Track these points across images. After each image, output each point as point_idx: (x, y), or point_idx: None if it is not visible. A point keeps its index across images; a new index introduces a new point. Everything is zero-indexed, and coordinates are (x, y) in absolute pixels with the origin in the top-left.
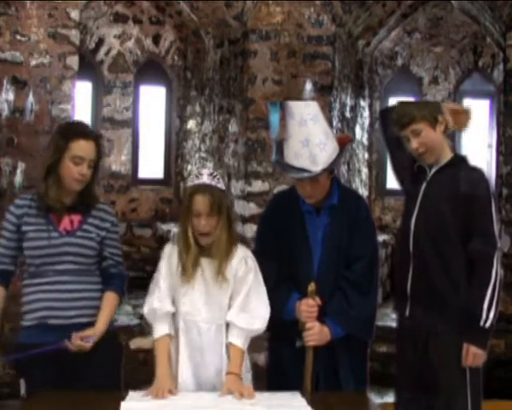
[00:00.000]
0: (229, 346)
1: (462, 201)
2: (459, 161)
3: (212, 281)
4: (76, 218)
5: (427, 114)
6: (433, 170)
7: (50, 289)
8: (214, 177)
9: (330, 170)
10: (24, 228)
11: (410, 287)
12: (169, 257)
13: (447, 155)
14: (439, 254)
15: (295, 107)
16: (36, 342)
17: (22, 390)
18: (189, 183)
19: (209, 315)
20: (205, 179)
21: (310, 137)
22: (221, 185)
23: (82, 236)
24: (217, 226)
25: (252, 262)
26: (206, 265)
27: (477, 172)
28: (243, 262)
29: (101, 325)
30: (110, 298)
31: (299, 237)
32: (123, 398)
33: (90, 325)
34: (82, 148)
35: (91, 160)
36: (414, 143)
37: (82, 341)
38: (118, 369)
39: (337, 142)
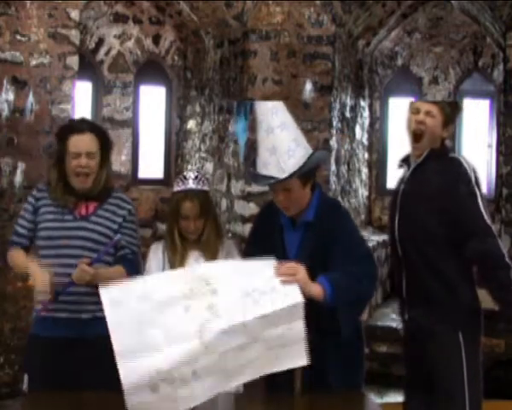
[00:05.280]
0: None
1: (441, 198)
2: (438, 153)
3: None
4: (92, 205)
5: (449, 112)
6: (412, 166)
7: (59, 279)
8: (200, 180)
9: (305, 179)
10: (41, 210)
11: (405, 291)
12: (157, 253)
13: (437, 140)
14: (424, 256)
15: (262, 115)
16: (46, 334)
17: (25, 385)
18: (176, 187)
19: None
20: (191, 184)
21: (277, 144)
22: (206, 187)
23: (95, 221)
24: (205, 226)
25: (236, 254)
26: (195, 257)
27: (454, 166)
28: (229, 255)
29: (100, 271)
30: (118, 268)
31: (277, 251)
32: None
33: (95, 320)
34: (76, 143)
35: (90, 152)
36: (420, 116)
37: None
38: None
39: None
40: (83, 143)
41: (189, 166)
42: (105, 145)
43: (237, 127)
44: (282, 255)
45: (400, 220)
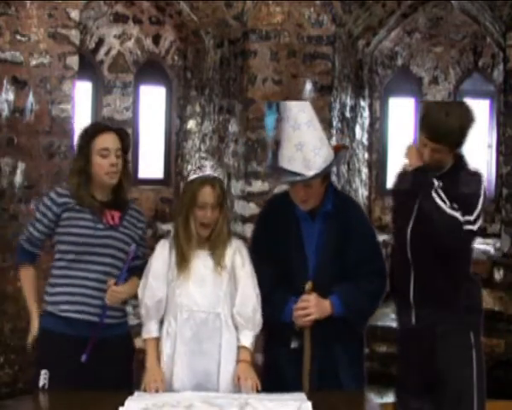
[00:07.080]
0: (239, 346)
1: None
2: (459, 167)
3: (208, 272)
4: (115, 214)
5: (457, 138)
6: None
7: (88, 284)
8: (216, 169)
9: (324, 175)
10: (67, 215)
11: (413, 293)
12: (163, 251)
13: (449, 163)
14: (437, 259)
15: (290, 111)
16: (64, 332)
17: (42, 382)
18: (194, 175)
19: (205, 305)
20: (209, 171)
21: (304, 141)
22: (221, 176)
23: (124, 232)
24: (218, 218)
25: (245, 252)
26: (203, 256)
27: (477, 181)
28: (238, 253)
29: (126, 289)
30: (135, 280)
31: (294, 244)
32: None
33: (115, 326)
34: (105, 140)
35: (117, 149)
36: (426, 155)
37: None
38: (130, 369)
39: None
40: (112, 140)
41: (189, 167)
42: (125, 147)
43: (267, 122)
44: (298, 247)
45: (415, 224)
